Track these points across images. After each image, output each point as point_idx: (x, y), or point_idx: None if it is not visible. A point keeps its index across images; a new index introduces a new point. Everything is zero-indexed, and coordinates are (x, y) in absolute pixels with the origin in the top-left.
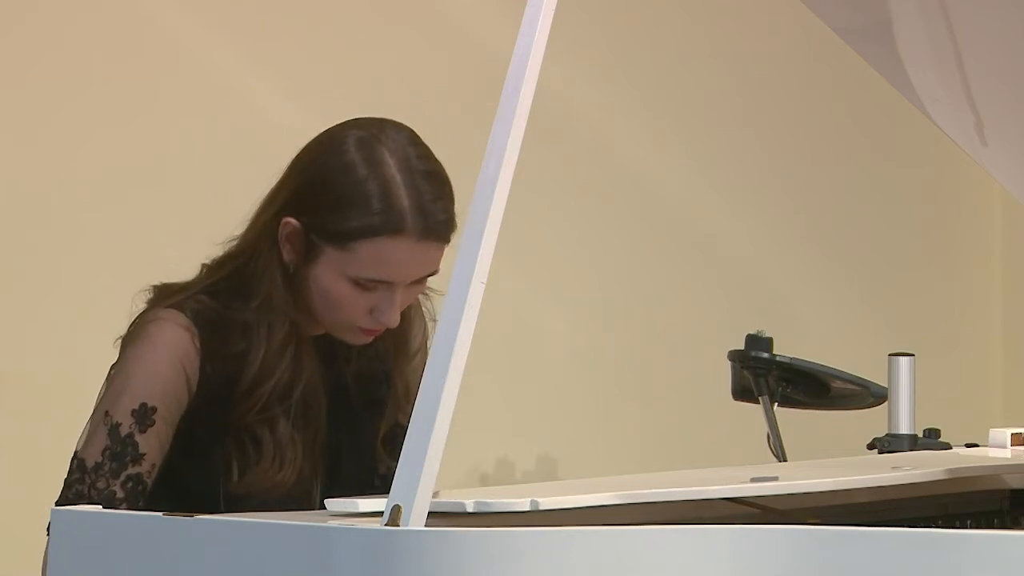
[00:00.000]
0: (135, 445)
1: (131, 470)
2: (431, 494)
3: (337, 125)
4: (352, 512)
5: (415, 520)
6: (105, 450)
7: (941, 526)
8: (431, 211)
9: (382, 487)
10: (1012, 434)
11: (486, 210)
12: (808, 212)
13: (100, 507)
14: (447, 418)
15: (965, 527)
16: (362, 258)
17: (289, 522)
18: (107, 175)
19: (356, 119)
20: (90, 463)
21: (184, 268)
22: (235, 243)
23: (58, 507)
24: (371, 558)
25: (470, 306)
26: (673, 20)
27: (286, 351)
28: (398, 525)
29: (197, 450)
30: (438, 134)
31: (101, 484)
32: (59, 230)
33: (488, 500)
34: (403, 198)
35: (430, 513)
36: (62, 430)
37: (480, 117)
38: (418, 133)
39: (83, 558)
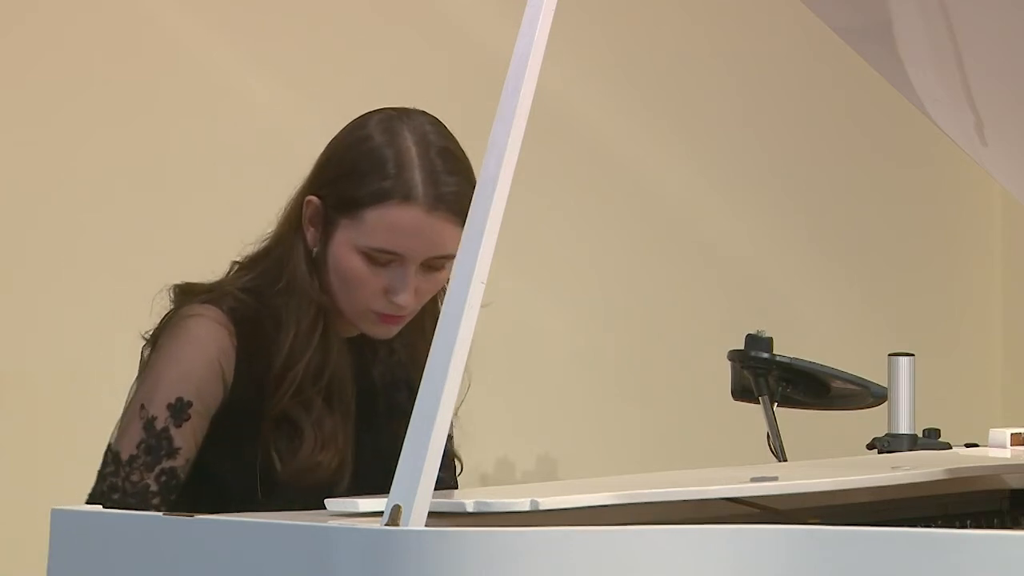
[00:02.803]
0: (170, 439)
1: (165, 464)
2: (431, 494)
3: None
4: (352, 512)
5: (415, 520)
6: (140, 443)
7: (941, 526)
8: (442, 182)
9: None
10: (1012, 434)
11: (486, 210)
12: (808, 212)
13: (132, 500)
14: (447, 418)
15: (965, 527)
16: (372, 226)
17: (289, 522)
18: (107, 175)
19: (384, 107)
20: (124, 456)
21: (184, 268)
22: (269, 239)
23: (92, 501)
24: (371, 558)
25: (470, 306)
26: (673, 20)
27: (314, 334)
28: (398, 525)
29: (232, 447)
30: None
31: (135, 477)
32: (59, 230)
33: (488, 500)
34: (415, 168)
35: (430, 513)
36: (61, 430)
37: (480, 117)
38: None
39: (83, 558)
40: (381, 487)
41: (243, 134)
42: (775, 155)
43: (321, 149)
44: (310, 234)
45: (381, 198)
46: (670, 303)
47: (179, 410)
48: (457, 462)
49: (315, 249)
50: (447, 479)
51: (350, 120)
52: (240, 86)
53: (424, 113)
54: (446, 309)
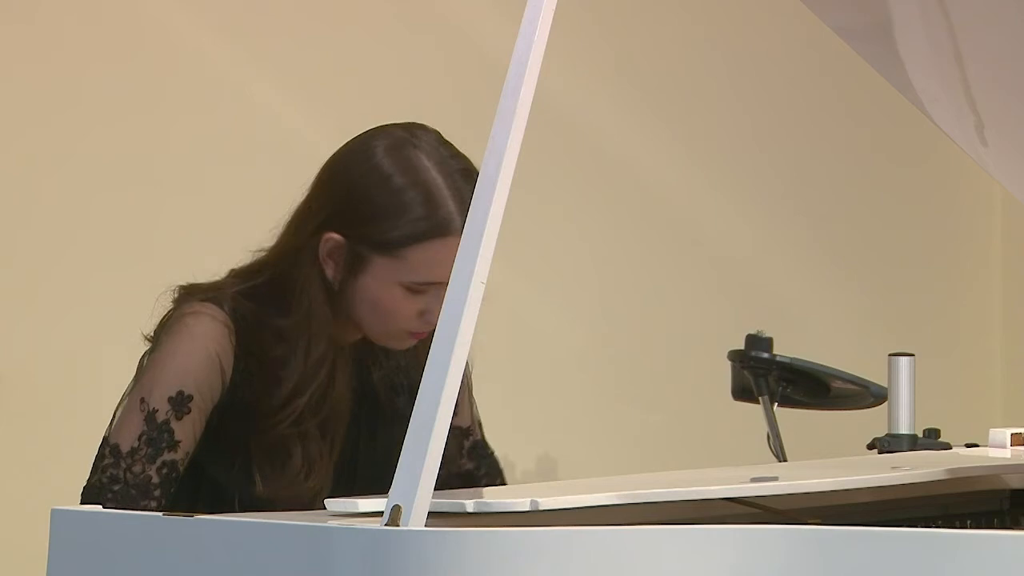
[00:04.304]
0: (171, 432)
1: (166, 456)
2: (431, 494)
3: (361, 135)
4: (352, 512)
5: (415, 520)
6: (141, 435)
7: (941, 526)
8: None
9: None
10: (1012, 434)
11: (486, 210)
12: (808, 212)
13: (134, 492)
14: (447, 418)
15: (965, 527)
16: (414, 263)
17: (289, 522)
18: (107, 175)
19: (379, 127)
20: (125, 448)
21: (184, 268)
22: (268, 253)
23: (88, 492)
24: (371, 558)
25: (470, 306)
26: (673, 20)
27: (323, 367)
28: (398, 525)
29: (221, 447)
30: None
31: (137, 468)
32: (58, 230)
33: (488, 500)
34: (447, 200)
35: (430, 513)
36: (61, 430)
37: (480, 117)
38: None
39: (83, 558)
40: (380, 491)
41: (243, 134)
42: (775, 155)
43: (320, 149)
44: (329, 268)
45: (420, 238)
46: (670, 303)
47: (180, 403)
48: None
49: (335, 283)
50: (485, 465)
51: (344, 121)
52: (240, 86)
53: (426, 129)
54: (446, 309)
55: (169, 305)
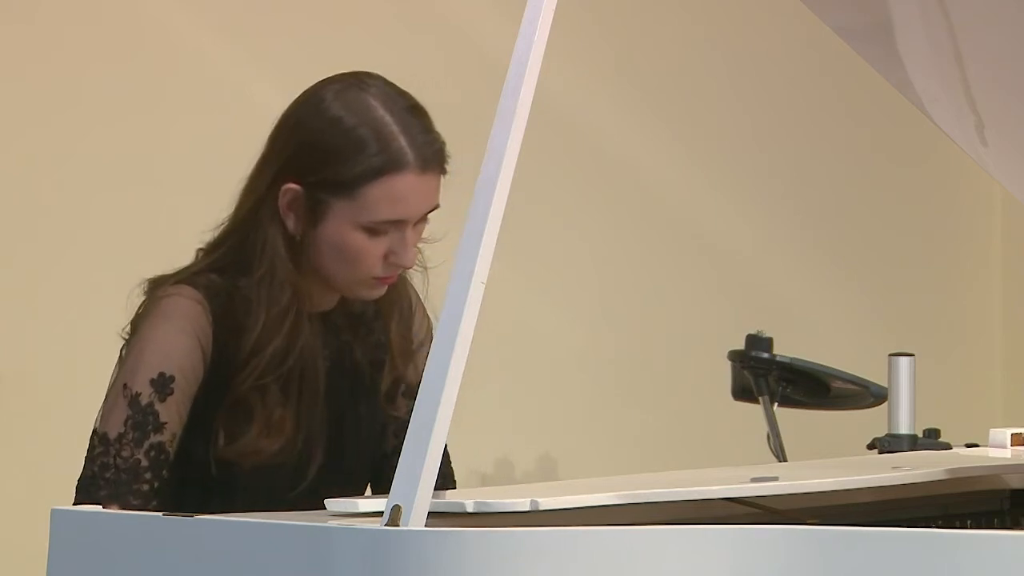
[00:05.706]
0: (156, 414)
1: (153, 439)
2: (431, 494)
3: (310, 87)
4: (352, 512)
5: (415, 520)
6: (127, 420)
7: (941, 526)
8: (426, 142)
9: (389, 467)
10: (1012, 434)
11: (486, 210)
12: (808, 212)
13: (125, 476)
14: (447, 418)
15: (965, 527)
16: (372, 202)
17: (289, 522)
18: (108, 176)
19: (326, 78)
20: (112, 435)
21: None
22: (228, 221)
23: (82, 485)
24: (371, 558)
25: (470, 306)
26: (673, 20)
27: (285, 321)
28: (398, 525)
29: (203, 426)
30: None
31: (126, 453)
32: (58, 230)
33: (488, 500)
34: (398, 135)
35: (430, 513)
36: (61, 430)
37: (480, 117)
38: None
39: (83, 558)
40: (361, 467)
41: (243, 134)
42: (775, 155)
43: None
44: (290, 220)
45: (376, 174)
46: (670, 303)
47: (162, 385)
48: None
49: (297, 234)
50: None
51: None
52: (240, 86)
53: (371, 74)
54: (446, 309)
55: (141, 298)
